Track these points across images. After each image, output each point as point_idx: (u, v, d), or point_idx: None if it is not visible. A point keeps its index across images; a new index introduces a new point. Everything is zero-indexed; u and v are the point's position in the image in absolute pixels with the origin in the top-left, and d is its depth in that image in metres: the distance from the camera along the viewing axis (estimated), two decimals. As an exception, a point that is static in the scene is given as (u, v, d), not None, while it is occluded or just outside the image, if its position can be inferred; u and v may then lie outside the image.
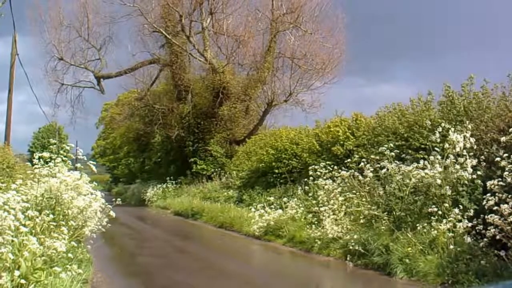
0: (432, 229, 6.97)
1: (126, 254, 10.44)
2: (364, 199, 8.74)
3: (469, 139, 7.37)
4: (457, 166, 7.29)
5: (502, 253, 5.95)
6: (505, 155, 6.43)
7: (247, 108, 26.19)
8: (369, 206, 8.47)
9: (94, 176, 8.92)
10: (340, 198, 9.29)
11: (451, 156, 7.36)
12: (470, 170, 7.20)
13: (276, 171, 14.70)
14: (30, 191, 6.80)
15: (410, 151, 8.91)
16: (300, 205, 11.38)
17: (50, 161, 7.38)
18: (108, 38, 27.44)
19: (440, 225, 6.87)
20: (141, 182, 32.92)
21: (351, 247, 8.07)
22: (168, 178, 25.66)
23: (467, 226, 6.66)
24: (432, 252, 6.82)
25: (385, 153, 8.52)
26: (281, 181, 14.38)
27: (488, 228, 6.12)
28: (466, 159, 7.27)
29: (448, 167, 7.38)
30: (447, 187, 7.21)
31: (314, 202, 10.59)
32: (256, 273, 8.28)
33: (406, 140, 9.47)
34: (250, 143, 21.22)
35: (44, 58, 26.64)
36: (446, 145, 7.43)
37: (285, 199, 12.05)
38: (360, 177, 8.99)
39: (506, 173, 6.18)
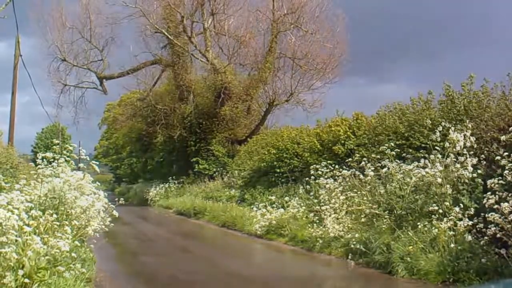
0: (433, 228, 6.99)
1: (129, 253, 10.51)
2: (365, 198, 8.77)
3: (469, 138, 7.39)
4: (458, 165, 7.32)
5: (503, 251, 5.97)
6: (505, 153, 6.45)
7: (249, 108, 26.26)
8: (370, 205, 8.50)
9: (97, 176, 9.01)
10: (341, 197, 9.32)
11: (452, 155, 7.39)
12: (470, 169, 7.23)
13: (278, 170, 14.74)
14: (34, 191, 6.86)
15: (410, 150, 8.95)
16: (302, 204, 11.42)
17: (53, 161, 7.45)
18: (110, 39, 27.56)
19: (441, 224, 6.89)
20: (144, 182, 33.03)
21: (352, 246, 8.11)
22: (170, 177, 25.75)
23: (467, 225, 6.69)
24: (433, 251, 6.85)
25: (386, 152, 8.55)
26: (283, 180, 14.42)
27: (489, 226, 6.15)
28: (466, 158, 7.30)
29: (448, 166, 7.41)
30: (448, 185, 7.24)
31: (315, 201, 10.63)
32: (258, 271, 8.32)
33: (407, 139, 9.51)
34: (251, 143, 21.28)
35: (47, 59, 26.81)
36: (447, 144, 7.46)
37: (286, 198, 12.10)
38: (361, 176, 9.02)
39: (506, 171, 6.21)
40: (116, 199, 8.17)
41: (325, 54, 24.50)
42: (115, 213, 7.57)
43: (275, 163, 15.07)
